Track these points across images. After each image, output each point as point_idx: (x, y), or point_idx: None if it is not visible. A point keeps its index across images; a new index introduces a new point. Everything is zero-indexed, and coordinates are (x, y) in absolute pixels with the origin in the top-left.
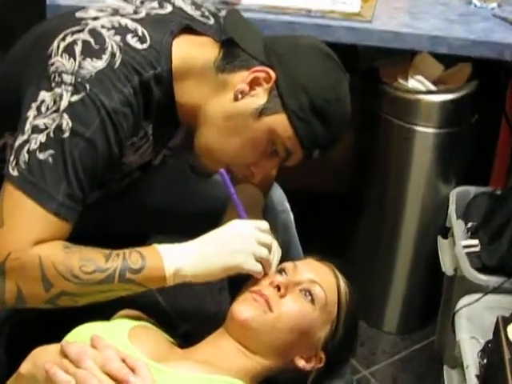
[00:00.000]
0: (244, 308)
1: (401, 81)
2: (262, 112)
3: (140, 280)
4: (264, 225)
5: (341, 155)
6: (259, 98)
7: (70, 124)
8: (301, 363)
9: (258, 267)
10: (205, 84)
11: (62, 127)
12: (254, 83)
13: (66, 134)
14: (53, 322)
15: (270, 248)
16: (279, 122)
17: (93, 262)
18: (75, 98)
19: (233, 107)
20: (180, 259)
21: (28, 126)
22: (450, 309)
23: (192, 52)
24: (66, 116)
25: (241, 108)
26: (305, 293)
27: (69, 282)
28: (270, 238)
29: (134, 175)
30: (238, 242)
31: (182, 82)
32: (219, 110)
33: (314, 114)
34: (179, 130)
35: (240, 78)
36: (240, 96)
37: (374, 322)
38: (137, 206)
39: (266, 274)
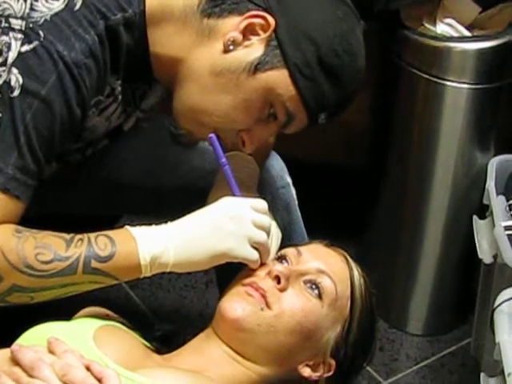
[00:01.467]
0: (235, 304)
1: (427, 25)
2: (257, 67)
3: (109, 270)
4: (261, 204)
5: (354, 118)
6: (254, 49)
7: (21, 80)
8: (306, 372)
9: (254, 254)
10: (187, 32)
11: (10, 84)
12: (248, 31)
13: (16, 93)
14: (0, 321)
15: (268, 232)
16: (279, 79)
17: (51, 249)
18: (26, 47)
19: (222, 60)
20: (158, 244)
21: None
22: (488, 304)
23: None
24: (14, 70)
25: (232, 61)
26: (310, 285)
27: (22, 274)
28: (268, 220)
29: (101, 144)
30: (229, 223)
31: (159, 29)
32: (205, 64)
33: (321, 69)
34: (154, 87)
35: (231, 25)
36: (231, 47)
37: (395, 321)
38: (103, 180)
39: (262, 264)
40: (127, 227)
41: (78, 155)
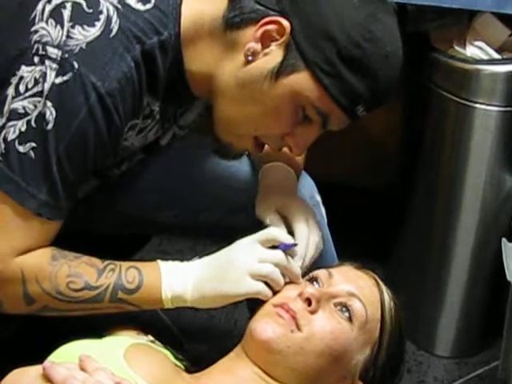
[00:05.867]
0: (266, 326)
1: (457, 47)
2: (278, 72)
3: (133, 301)
4: (269, 234)
5: (383, 139)
6: (275, 56)
7: (54, 114)
8: None
9: (258, 288)
10: (215, 46)
11: (45, 117)
12: (265, 39)
13: (50, 126)
14: (34, 338)
15: (278, 261)
16: (302, 81)
17: (82, 278)
18: (60, 79)
19: (245, 72)
20: (179, 282)
21: (6, 108)
22: None
23: (202, 7)
24: (49, 103)
25: (253, 72)
26: (341, 308)
27: (53, 299)
28: (274, 253)
29: (136, 158)
30: (229, 266)
31: (192, 46)
32: (231, 78)
33: (342, 63)
34: (195, 105)
35: (249, 35)
36: (250, 57)
37: (423, 343)
38: (131, 202)
39: (288, 283)
40: (158, 261)
41: (115, 170)
